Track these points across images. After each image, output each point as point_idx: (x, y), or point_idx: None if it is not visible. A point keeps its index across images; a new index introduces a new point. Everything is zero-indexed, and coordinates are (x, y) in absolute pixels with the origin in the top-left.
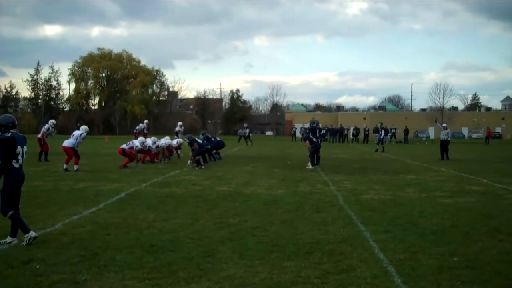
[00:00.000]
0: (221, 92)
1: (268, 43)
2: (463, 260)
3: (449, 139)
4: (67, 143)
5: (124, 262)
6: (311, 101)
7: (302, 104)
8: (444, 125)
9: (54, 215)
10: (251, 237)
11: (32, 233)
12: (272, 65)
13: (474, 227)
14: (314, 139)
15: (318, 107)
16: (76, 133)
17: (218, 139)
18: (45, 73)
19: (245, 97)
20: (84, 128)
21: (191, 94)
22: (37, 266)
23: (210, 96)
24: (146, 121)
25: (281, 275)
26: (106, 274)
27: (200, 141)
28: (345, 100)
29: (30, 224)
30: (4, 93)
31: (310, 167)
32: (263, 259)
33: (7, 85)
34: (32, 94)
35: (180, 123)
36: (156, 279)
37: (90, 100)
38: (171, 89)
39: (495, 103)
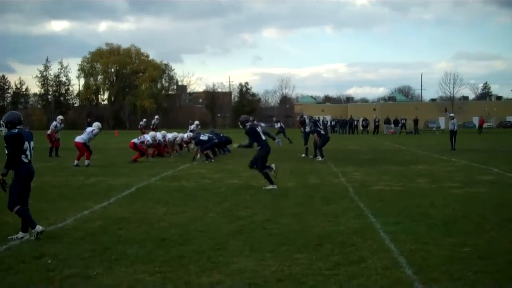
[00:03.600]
0: (230, 85)
1: (276, 36)
2: (474, 250)
3: (455, 129)
4: (79, 138)
5: (135, 256)
6: (320, 93)
7: (312, 96)
8: (451, 114)
9: (66, 210)
10: (262, 230)
11: (39, 228)
12: (281, 58)
13: (485, 217)
14: (322, 132)
15: (327, 99)
16: (88, 129)
17: (224, 135)
18: (54, 69)
19: (254, 90)
20: (96, 124)
21: (200, 88)
22: (49, 261)
23: (219, 90)
24: (156, 116)
25: (291, 267)
26: (118, 268)
27: (206, 138)
28: (355, 92)
29: (42, 219)
30: (14, 89)
31: (320, 159)
32: (274, 251)
33: (17, 82)
34: (42, 90)
35: (197, 122)
36: (167, 272)
37: (99, 95)
38: (180, 83)
39: (507, 92)
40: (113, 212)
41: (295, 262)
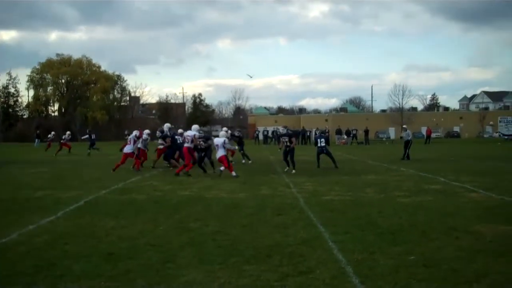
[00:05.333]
0: (183, 96)
1: (231, 46)
2: (420, 258)
3: (409, 138)
4: (128, 149)
5: (81, 272)
6: (274, 104)
7: (265, 107)
8: (404, 126)
9: (10, 224)
10: (212, 242)
11: None
12: (235, 68)
13: (431, 225)
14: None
15: (280, 110)
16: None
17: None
18: (2, 80)
19: (208, 101)
20: (146, 132)
21: (153, 99)
22: None
23: (173, 101)
24: (68, 132)
25: (240, 279)
26: (63, 284)
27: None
28: (308, 103)
29: None
30: None
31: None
32: (223, 263)
33: None
34: None
35: (147, 131)
36: (113, 287)
37: (49, 107)
38: (132, 94)
39: (454, 103)
40: (60, 226)
41: (244, 274)
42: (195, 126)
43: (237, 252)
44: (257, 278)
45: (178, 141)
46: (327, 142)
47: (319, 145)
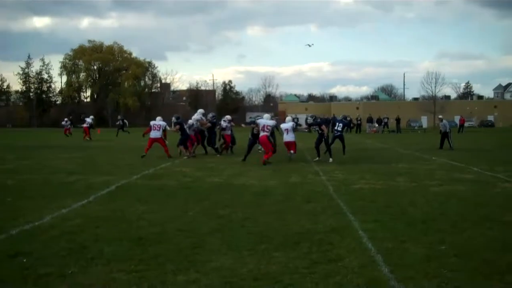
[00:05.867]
0: (213, 83)
1: (261, 34)
2: (451, 248)
3: (447, 130)
4: (156, 134)
5: (112, 255)
6: (304, 92)
7: (295, 95)
8: (440, 116)
9: (43, 208)
10: (241, 228)
11: None
12: (265, 56)
13: (463, 215)
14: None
15: (311, 98)
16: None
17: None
18: (36, 66)
19: (238, 88)
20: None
21: (183, 86)
22: (24, 260)
23: (203, 88)
24: (92, 116)
25: (269, 265)
26: (94, 267)
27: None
28: (338, 90)
29: (19, 217)
30: None
31: (330, 160)
32: (252, 250)
33: None
34: (24, 87)
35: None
36: (143, 271)
37: (82, 93)
38: (163, 81)
39: (488, 92)
40: (91, 210)
41: (273, 261)
42: (200, 110)
43: (266, 239)
44: (286, 265)
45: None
46: (357, 128)
47: (336, 128)
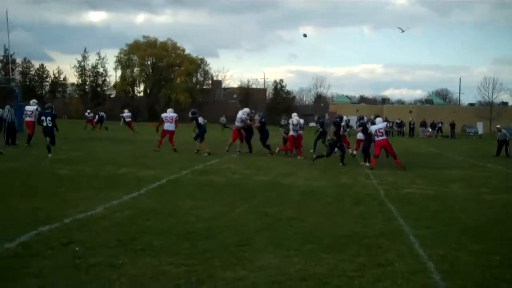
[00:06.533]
0: (264, 82)
1: (313, 34)
2: (505, 258)
3: (507, 138)
4: (170, 127)
5: (161, 248)
6: (355, 93)
7: (347, 96)
8: (498, 126)
9: (95, 199)
10: (288, 228)
11: None
12: (317, 56)
13: None
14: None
15: (363, 99)
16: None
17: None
18: (92, 60)
19: (288, 87)
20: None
21: (234, 84)
22: (76, 249)
23: (254, 86)
24: (126, 110)
25: (317, 267)
26: (143, 258)
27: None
28: (391, 93)
29: (71, 207)
30: (52, 78)
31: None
32: (299, 250)
33: (55, 71)
34: (79, 80)
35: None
36: (192, 265)
37: (135, 87)
38: (215, 78)
39: None
40: (142, 203)
41: (320, 262)
42: (245, 110)
43: (314, 239)
44: (334, 267)
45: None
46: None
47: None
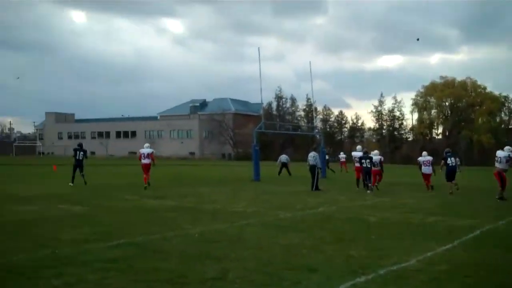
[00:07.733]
0: None
1: None
2: None
3: None
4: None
5: None
6: None
7: None
8: None
9: (408, 249)
10: None
11: None
12: None
13: None
14: None
15: None
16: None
17: None
18: (388, 104)
19: None
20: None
21: None
22: None
23: None
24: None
25: None
26: None
27: None
28: None
29: (384, 257)
30: (350, 124)
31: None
32: None
33: (353, 117)
34: (377, 124)
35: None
36: None
37: (433, 130)
38: None
39: None
40: (457, 256)
41: None
42: None
43: None
44: None
45: None
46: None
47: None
